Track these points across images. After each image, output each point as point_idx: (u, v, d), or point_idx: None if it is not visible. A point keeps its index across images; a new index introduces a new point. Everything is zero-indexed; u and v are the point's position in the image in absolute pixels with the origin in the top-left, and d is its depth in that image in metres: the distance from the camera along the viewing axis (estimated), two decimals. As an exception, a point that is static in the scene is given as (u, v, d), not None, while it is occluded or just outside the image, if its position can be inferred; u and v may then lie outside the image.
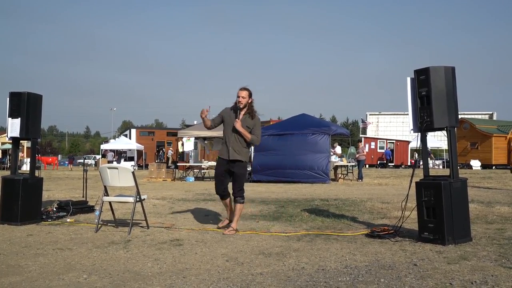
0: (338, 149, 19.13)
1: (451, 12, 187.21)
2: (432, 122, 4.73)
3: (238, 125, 5.42)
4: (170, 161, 31.10)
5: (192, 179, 17.87)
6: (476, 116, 46.36)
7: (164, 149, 37.30)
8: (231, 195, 5.73)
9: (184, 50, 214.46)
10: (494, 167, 32.97)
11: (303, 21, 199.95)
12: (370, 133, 48.46)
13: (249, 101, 5.53)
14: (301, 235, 5.30)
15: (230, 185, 5.74)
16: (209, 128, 5.68)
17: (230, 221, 5.71)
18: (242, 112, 5.50)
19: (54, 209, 6.83)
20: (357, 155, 18.09)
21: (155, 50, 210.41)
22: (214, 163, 18.88)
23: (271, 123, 31.39)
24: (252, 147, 17.64)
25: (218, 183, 5.66)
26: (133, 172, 5.68)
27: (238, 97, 5.49)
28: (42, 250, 4.58)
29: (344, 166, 18.08)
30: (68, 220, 6.51)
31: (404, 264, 3.89)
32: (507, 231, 5.42)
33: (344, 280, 3.47)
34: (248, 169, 18.02)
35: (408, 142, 38.81)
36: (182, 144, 27.13)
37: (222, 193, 5.68)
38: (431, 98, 4.72)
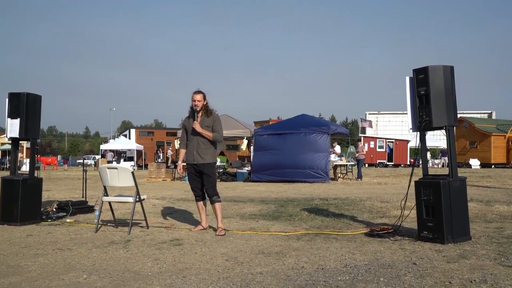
0: (338, 149, 19.14)
1: (450, 11, 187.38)
2: (431, 121, 4.74)
3: (197, 126, 5.51)
4: (169, 161, 31.11)
5: (191, 179, 17.84)
6: (475, 115, 46.44)
7: (163, 149, 37.25)
8: (206, 198, 5.73)
9: (184, 49, 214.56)
10: (493, 166, 32.99)
11: (302, 20, 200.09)
12: (369, 132, 48.46)
13: (204, 103, 5.64)
14: (301, 235, 5.30)
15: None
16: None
17: (203, 227, 5.72)
18: (199, 114, 5.60)
19: (54, 210, 6.84)
20: (357, 154, 18.10)
21: (154, 50, 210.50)
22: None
23: (270, 122, 31.42)
24: (252, 147, 17.67)
25: (194, 183, 5.72)
26: (132, 172, 5.68)
27: (194, 101, 5.59)
28: (42, 250, 4.59)
29: (343, 165, 18.09)
30: (68, 220, 6.51)
31: (403, 263, 3.90)
32: (506, 229, 5.43)
33: (343, 279, 3.48)
34: (247, 169, 18.05)
35: (407, 141, 38.83)
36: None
37: (199, 193, 5.71)
38: (430, 97, 4.73)
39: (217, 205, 5.55)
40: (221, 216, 5.59)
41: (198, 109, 5.58)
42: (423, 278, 3.45)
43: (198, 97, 5.58)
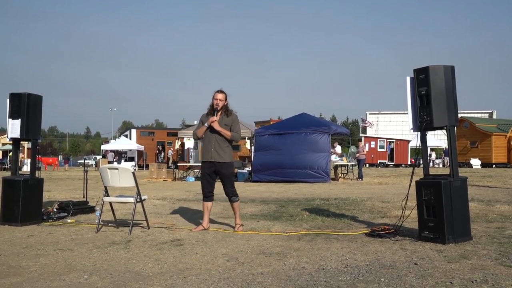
0: (338, 149, 19.13)
1: (451, 10, 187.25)
2: (431, 121, 4.73)
3: (215, 125, 5.55)
4: (170, 161, 31.13)
5: (192, 179, 17.87)
6: (476, 115, 46.40)
7: (163, 149, 37.26)
8: (219, 198, 5.77)
9: (184, 49, 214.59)
10: (494, 166, 32.97)
11: (302, 20, 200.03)
12: (370, 132, 48.45)
13: (225, 103, 5.69)
14: (302, 235, 5.30)
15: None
16: (199, 139, 5.84)
17: (204, 227, 5.72)
18: (219, 113, 5.65)
19: (55, 210, 6.84)
20: (358, 155, 18.07)
21: (155, 50, 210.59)
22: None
23: (271, 122, 31.44)
24: (252, 148, 17.66)
25: (205, 184, 5.74)
26: (133, 173, 5.69)
27: (216, 99, 5.63)
28: (43, 251, 4.59)
29: (344, 165, 18.08)
30: (69, 220, 6.52)
31: (404, 263, 3.90)
32: (507, 229, 5.43)
33: (344, 279, 3.48)
34: (248, 169, 18.05)
35: (408, 141, 38.82)
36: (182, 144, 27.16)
37: (208, 194, 5.74)
38: (431, 97, 4.72)
39: (236, 204, 5.74)
40: (239, 213, 5.83)
41: (218, 108, 5.63)
42: (424, 278, 3.45)
43: (220, 96, 5.64)
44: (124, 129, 67.98)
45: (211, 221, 6.43)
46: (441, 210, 4.61)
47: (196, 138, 5.91)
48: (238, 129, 5.74)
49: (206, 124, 5.63)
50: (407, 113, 5.12)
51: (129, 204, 6.23)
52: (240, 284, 3.39)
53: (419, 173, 5.17)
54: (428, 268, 3.72)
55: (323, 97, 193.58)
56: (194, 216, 7.03)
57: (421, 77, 4.82)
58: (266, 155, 16.13)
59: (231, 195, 5.67)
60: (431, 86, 4.73)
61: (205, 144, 5.68)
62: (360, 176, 17.09)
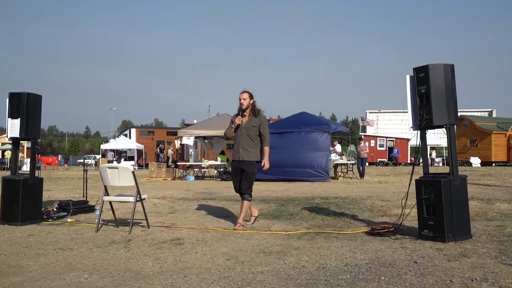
0: (338, 147, 19.10)
1: (450, 10, 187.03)
2: (431, 120, 4.73)
3: (239, 120, 5.72)
4: (170, 161, 31.13)
5: (192, 178, 17.87)
6: (476, 114, 46.37)
7: (163, 147, 37.24)
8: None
9: (184, 49, 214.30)
10: (494, 164, 32.98)
11: (303, 19, 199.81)
12: (369, 131, 48.47)
13: (251, 102, 5.83)
14: (302, 234, 5.31)
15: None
16: (230, 138, 5.99)
17: (240, 223, 5.81)
18: (246, 113, 5.80)
19: (55, 209, 6.84)
20: (361, 152, 17.98)
21: (154, 50, 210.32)
22: (213, 162, 18.91)
23: (270, 121, 31.44)
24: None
25: (235, 182, 5.93)
26: (133, 172, 5.69)
27: (240, 100, 5.81)
28: (43, 250, 4.59)
29: (344, 164, 18.07)
30: (69, 220, 6.51)
31: (404, 262, 3.90)
32: (507, 228, 5.43)
33: (344, 278, 3.48)
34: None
35: (408, 140, 38.85)
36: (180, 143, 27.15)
37: (239, 191, 5.88)
38: (431, 96, 4.72)
39: (246, 203, 5.82)
40: (245, 213, 5.88)
41: (244, 107, 5.79)
42: (424, 276, 3.45)
43: (244, 95, 5.83)
44: (124, 128, 68.05)
45: (212, 220, 6.45)
46: (441, 209, 4.62)
47: (226, 138, 6.10)
48: (267, 132, 5.88)
49: (233, 126, 5.83)
50: (407, 112, 5.11)
51: (129, 203, 6.23)
52: (240, 283, 3.39)
53: (419, 172, 5.17)
54: (428, 267, 3.72)
55: (323, 96, 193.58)
56: (194, 215, 7.03)
57: (421, 75, 4.81)
58: (266, 154, 16.10)
59: (245, 193, 5.79)
60: (430, 84, 4.73)
61: (235, 144, 5.85)
62: (363, 175, 17.05)
